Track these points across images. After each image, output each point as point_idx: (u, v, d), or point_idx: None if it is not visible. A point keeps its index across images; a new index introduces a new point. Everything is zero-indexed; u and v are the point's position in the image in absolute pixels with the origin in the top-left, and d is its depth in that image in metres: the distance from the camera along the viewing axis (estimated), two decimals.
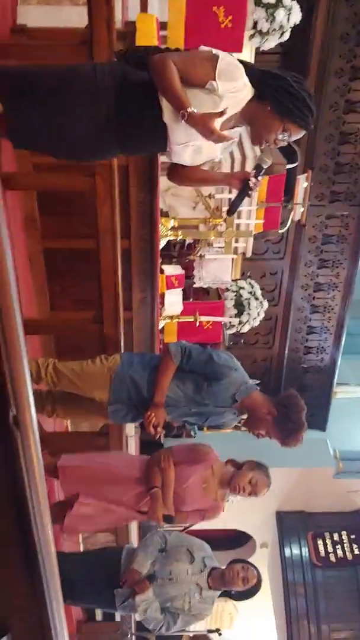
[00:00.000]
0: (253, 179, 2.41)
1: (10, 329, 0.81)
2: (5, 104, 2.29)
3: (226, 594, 3.54)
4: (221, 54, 2.30)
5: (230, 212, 2.68)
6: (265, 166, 2.48)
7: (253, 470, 3.36)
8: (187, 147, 2.39)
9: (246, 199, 2.67)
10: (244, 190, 2.45)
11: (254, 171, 2.45)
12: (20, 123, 2.36)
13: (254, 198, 5.24)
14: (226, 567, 3.47)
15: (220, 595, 3.53)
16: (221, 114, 2.25)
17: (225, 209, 5.27)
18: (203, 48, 2.35)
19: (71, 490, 3.35)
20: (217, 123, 2.26)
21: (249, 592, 3.49)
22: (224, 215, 5.30)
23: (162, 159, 3.47)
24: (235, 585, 3.42)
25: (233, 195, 2.76)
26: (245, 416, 3.29)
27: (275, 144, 2.44)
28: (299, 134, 2.42)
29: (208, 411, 3.22)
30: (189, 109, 2.21)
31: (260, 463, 3.45)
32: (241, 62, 2.37)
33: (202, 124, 2.24)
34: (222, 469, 3.38)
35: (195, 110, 2.22)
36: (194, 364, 3.14)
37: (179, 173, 2.57)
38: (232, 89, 2.29)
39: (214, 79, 2.26)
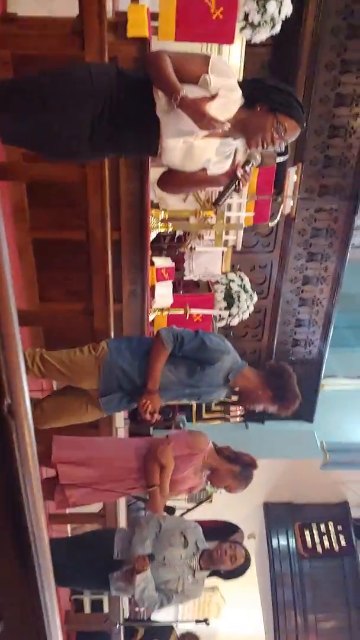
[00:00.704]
0: (240, 170, 2.43)
1: (5, 318, 0.81)
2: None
3: (215, 573, 3.58)
4: (212, 55, 2.37)
5: (216, 203, 2.65)
6: (255, 162, 2.49)
7: (233, 479, 3.43)
8: (178, 143, 2.38)
9: (235, 192, 2.68)
10: (232, 182, 2.47)
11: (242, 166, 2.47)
12: (13, 125, 2.37)
13: (244, 191, 5.24)
14: (214, 546, 3.52)
15: (210, 575, 3.57)
16: (212, 97, 2.29)
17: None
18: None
19: (62, 459, 3.35)
20: (209, 107, 2.28)
21: (238, 571, 3.54)
22: (215, 207, 5.30)
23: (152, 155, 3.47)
24: (224, 564, 3.48)
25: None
26: (236, 397, 3.35)
27: (273, 142, 2.43)
28: (295, 131, 2.44)
29: (201, 391, 3.26)
30: (181, 93, 2.25)
31: (246, 469, 3.48)
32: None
33: (194, 107, 2.26)
34: (211, 457, 3.43)
35: (188, 95, 2.26)
36: (186, 351, 3.15)
37: (169, 179, 2.60)
38: (225, 86, 2.32)
39: (207, 73, 2.30)
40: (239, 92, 2.37)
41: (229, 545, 3.51)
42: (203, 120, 2.27)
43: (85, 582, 3.64)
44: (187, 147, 2.40)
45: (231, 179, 2.46)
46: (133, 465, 3.33)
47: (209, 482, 3.49)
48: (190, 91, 2.28)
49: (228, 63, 2.42)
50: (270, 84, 2.40)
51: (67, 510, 4.49)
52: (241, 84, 2.39)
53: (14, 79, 2.54)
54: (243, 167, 2.45)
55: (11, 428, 0.86)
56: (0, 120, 2.34)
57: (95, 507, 4.64)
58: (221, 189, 2.58)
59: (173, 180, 2.59)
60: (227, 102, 2.34)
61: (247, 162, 2.48)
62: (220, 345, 3.22)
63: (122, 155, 3.09)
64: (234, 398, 3.40)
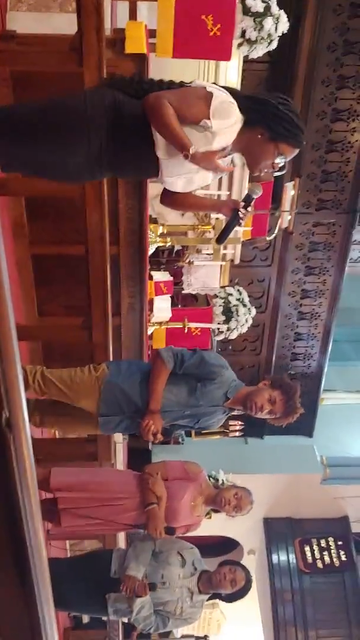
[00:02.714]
0: (243, 210, 2.44)
1: (3, 330, 0.81)
2: None
3: (216, 596, 3.54)
4: (215, 91, 2.33)
5: (219, 240, 2.71)
6: (255, 196, 2.50)
7: (237, 488, 3.48)
8: (180, 178, 2.44)
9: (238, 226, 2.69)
10: (234, 219, 2.49)
11: (243, 203, 2.47)
12: (10, 159, 2.41)
13: (245, 218, 5.27)
14: (214, 570, 3.48)
15: (210, 598, 3.53)
16: (223, 150, 2.34)
17: (214, 216, 5.29)
18: (197, 83, 2.39)
19: (61, 485, 3.36)
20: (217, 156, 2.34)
21: (239, 593, 3.50)
22: (212, 222, 5.33)
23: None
24: (224, 588, 3.43)
25: (220, 216, 2.80)
26: (236, 412, 3.34)
27: (273, 168, 2.47)
28: (293, 154, 2.47)
29: (200, 412, 3.23)
30: (191, 150, 2.27)
31: (242, 487, 3.57)
32: (227, 89, 2.42)
33: (205, 163, 2.32)
34: (208, 489, 3.47)
35: (198, 150, 2.28)
36: (187, 368, 3.15)
37: (171, 199, 2.61)
38: (226, 126, 2.34)
39: (208, 118, 2.30)
40: (240, 120, 2.37)
41: (229, 569, 3.46)
42: (215, 172, 2.36)
43: (82, 603, 3.57)
44: (187, 179, 2.46)
45: (233, 217, 2.48)
46: (131, 492, 3.34)
47: (218, 505, 3.47)
48: (190, 133, 2.31)
49: (227, 99, 2.35)
50: (271, 111, 2.36)
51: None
52: (241, 103, 2.37)
53: (9, 108, 2.56)
54: (245, 207, 2.46)
55: (9, 441, 0.85)
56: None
57: None
58: (223, 221, 2.61)
59: (174, 200, 2.61)
60: (228, 135, 2.37)
61: (248, 197, 2.50)
62: (219, 360, 3.24)
63: (122, 177, 3.13)
64: (238, 412, 3.37)
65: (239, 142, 2.42)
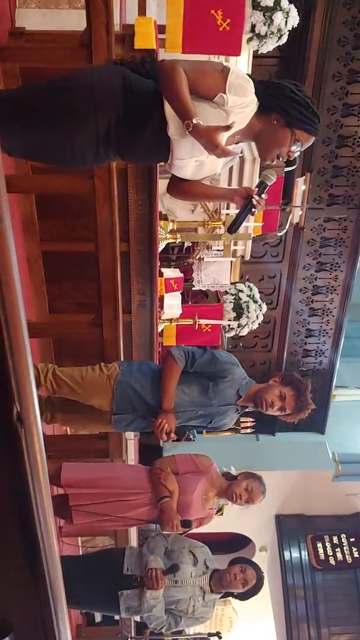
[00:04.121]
0: (256, 197, 2.33)
1: (14, 324, 0.81)
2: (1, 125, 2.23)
3: (228, 595, 3.53)
4: (232, 67, 2.23)
5: (231, 230, 2.53)
6: (269, 183, 2.38)
7: (248, 479, 3.43)
8: (190, 162, 2.34)
9: (251, 215, 2.60)
10: (247, 207, 2.36)
11: (257, 189, 2.37)
12: (15, 141, 2.31)
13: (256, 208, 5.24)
14: (225, 569, 3.47)
15: (223, 596, 3.52)
16: (228, 127, 2.18)
17: (224, 212, 5.28)
18: (213, 61, 2.31)
19: (71, 481, 3.36)
20: (223, 137, 2.18)
21: (251, 592, 3.49)
22: (223, 218, 5.31)
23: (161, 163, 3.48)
24: (235, 587, 3.42)
25: (232, 211, 2.74)
26: (249, 409, 3.32)
27: (289, 156, 2.38)
28: (309, 142, 2.38)
29: (213, 412, 3.23)
30: (194, 120, 2.13)
31: (253, 473, 3.51)
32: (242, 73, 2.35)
33: (207, 137, 2.15)
34: (219, 480, 3.45)
35: (201, 122, 2.14)
36: (199, 366, 3.15)
37: (179, 187, 2.52)
38: (241, 104, 2.23)
39: (224, 92, 2.19)
40: (255, 103, 2.27)
41: (239, 569, 3.43)
42: (215, 151, 2.18)
43: (95, 601, 3.57)
44: (198, 164, 2.36)
45: (246, 205, 2.36)
46: (142, 487, 3.33)
47: (230, 498, 3.44)
48: (204, 108, 2.21)
49: (245, 76, 2.23)
50: (288, 95, 2.27)
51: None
52: (256, 88, 2.27)
53: (15, 90, 2.48)
54: (259, 194, 2.35)
55: (20, 435, 0.85)
56: (4, 134, 2.32)
57: None
58: (236, 210, 2.51)
59: (182, 188, 2.53)
60: (242, 116, 2.27)
61: (262, 183, 2.38)
62: (230, 359, 3.25)
63: (130, 161, 3.04)
64: (250, 409, 3.36)
65: (252, 129, 2.32)
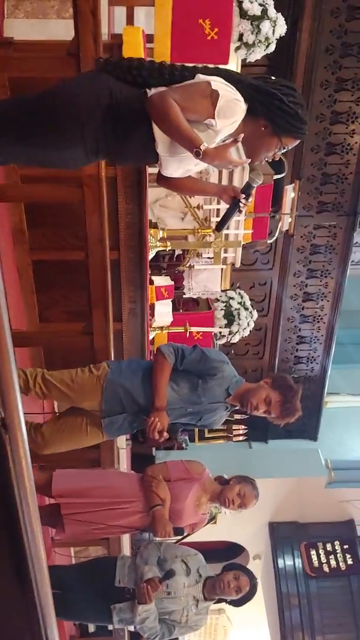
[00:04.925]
0: (243, 200, 2.41)
1: None
2: None
3: (222, 600, 3.51)
4: (220, 88, 2.25)
5: (218, 228, 2.64)
6: (255, 185, 2.47)
7: (240, 484, 3.41)
8: (179, 169, 2.43)
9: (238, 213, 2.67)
10: (234, 208, 2.45)
11: (243, 193, 2.44)
12: (4, 154, 2.37)
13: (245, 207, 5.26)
14: (218, 576, 3.45)
15: (216, 602, 3.50)
16: (235, 142, 2.27)
17: (214, 219, 5.29)
18: (200, 77, 2.29)
19: (63, 491, 3.33)
20: (232, 152, 2.27)
21: (244, 599, 3.47)
22: (213, 226, 5.32)
23: (150, 169, 3.49)
24: (229, 594, 3.40)
25: (221, 206, 2.80)
26: (237, 407, 3.30)
27: (274, 158, 2.48)
28: (295, 144, 2.47)
29: (203, 409, 3.22)
30: (202, 147, 2.19)
31: (246, 477, 3.49)
32: (231, 77, 2.35)
33: (219, 159, 2.23)
34: (212, 486, 3.44)
35: (206, 145, 2.20)
36: (188, 363, 3.14)
37: (169, 181, 2.57)
38: (230, 124, 2.30)
39: (213, 117, 2.25)
40: (243, 111, 2.33)
41: (233, 576, 3.41)
42: (229, 167, 2.31)
43: (87, 613, 3.54)
44: (186, 170, 2.45)
45: (233, 205, 2.44)
46: (134, 495, 3.32)
47: (222, 503, 3.42)
48: (196, 128, 2.26)
49: (233, 95, 2.27)
50: (277, 105, 2.32)
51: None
52: (246, 93, 2.32)
53: (2, 105, 2.51)
54: (246, 197, 2.42)
55: (5, 441, 0.84)
56: None
57: None
58: (221, 207, 2.59)
59: (172, 182, 2.59)
60: (231, 127, 2.33)
61: (248, 186, 2.45)
62: (220, 356, 3.25)
63: (120, 165, 3.09)
64: (237, 416, 3.35)
65: (239, 131, 2.37)
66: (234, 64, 5.17)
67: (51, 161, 2.41)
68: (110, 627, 5.10)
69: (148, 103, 2.25)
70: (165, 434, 3.09)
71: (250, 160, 2.47)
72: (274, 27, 4.45)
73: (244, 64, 5.30)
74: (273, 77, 2.44)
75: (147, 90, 2.30)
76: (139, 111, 2.26)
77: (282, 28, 4.50)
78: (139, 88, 2.31)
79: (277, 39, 4.53)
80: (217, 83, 2.27)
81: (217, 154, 2.22)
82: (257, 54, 4.58)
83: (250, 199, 2.47)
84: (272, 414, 3.15)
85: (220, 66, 2.46)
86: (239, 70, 5.31)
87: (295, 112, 2.34)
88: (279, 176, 5.97)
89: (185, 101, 2.22)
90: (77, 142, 2.27)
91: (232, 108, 2.27)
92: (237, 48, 4.48)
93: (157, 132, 2.28)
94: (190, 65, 2.39)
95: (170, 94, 2.23)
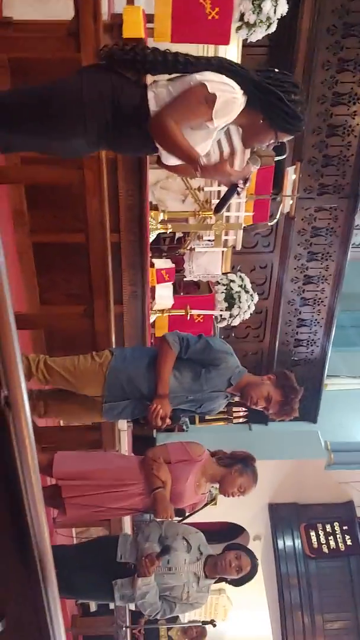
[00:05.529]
0: (241, 185, 2.50)
1: (0, 307, 0.81)
2: None
3: (222, 580, 3.55)
4: (217, 89, 2.31)
5: (217, 210, 2.77)
6: (253, 170, 2.58)
7: (242, 477, 3.41)
8: (179, 160, 2.51)
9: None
10: (231, 191, 2.54)
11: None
12: (7, 144, 2.49)
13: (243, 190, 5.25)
14: (219, 555, 3.49)
15: (217, 581, 3.54)
16: (232, 156, 2.41)
17: (215, 201, 5.27)
18: (197, 78, 2.34)
19: (64, 474, 3.36)
20: (235, 163, 2.45)
21: (245, 579, 3.51)
22: (215, 213, 5.31)
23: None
24: (229, 574, 3.44)
25: (222, 188, 2.85)
26: (237, 398, 3.34)
27: (268, 147, 2.61)
28: (290, 138, 2.59)
29: (203, 397, 3.24)
30: (200, 161, 2.36)
31: (247, 463, 3.47)
32: (233, 70, 2.38)
33: (220, 175, 2.43)
34: (212, 467, 3.44)
35: (205, 160, 2.38)
36: (192, 352, 3.16)
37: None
38: (227, 120, 2.40)
39: (212, 119, 2.35)
40: (241, 104, 2.39)
41: (234, 555, 3.46)
42: (231, 180, 2.43)
43: (89, 590, 3.59)
44: None
45: (231, 188, 2.53)
46: (135, 478, 3.34)
47: (223, 493, 3.45)
48: (195, 135, 2.39)
49: (232, 95, 2.34)
50: (276, 104, 2.38)
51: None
52: (245, 87, 2.37)
53: (5, 95, 2.58)
54: (243, 182, 2.51)
55: (8, 419, 0.85)
56: None
57: None
58: (221, 189, 2.69)
59: (171, 165, 2.65)
60: (228, 120, 2.42)
61: None
62: (224, 347, 3.25)
63: (119, 153, 3.18)
64: (237, 399, 3.37)
65: (239, 118, 2.44)
66: (234, 45, 5.14)
67: (53, 150, 2.54)
68: (111, 606, 5.16)
69: (150, 126, 2.36)
70: (168, 421, 3.11)
71: (245, 146, 2.58)
72: (275, 6, 4.43)
73: (245, 44, 5.27)
74: (276, 70, 2.47)
75: (147, 86, 2.40)
76: (139, 108, 2.36)
77: (283, 7, 4.48)
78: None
79: (278, 19, 4.50)
80: (214, 84, 2.32)
81: (215, 170, 2.42)
82: (258, 34, 4.56)
83: (248, 183, 2.59)
84: (270, 410, 3.20)
85: (225, 56, 2.51)
86: (240, 51, 5.28)
87: (293, 111, 2.40)
88: (280, 158, 5.94)
89: (184, 116, 2.34)
90: (79, 136, 2.37)
91: (229, 107, 2.35)
92: (238, 28, 4.46)
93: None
94: (192, 57, 2.43)
95: (169, 113, 2.33)
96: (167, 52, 2.42)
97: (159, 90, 2.38)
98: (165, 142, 2.37)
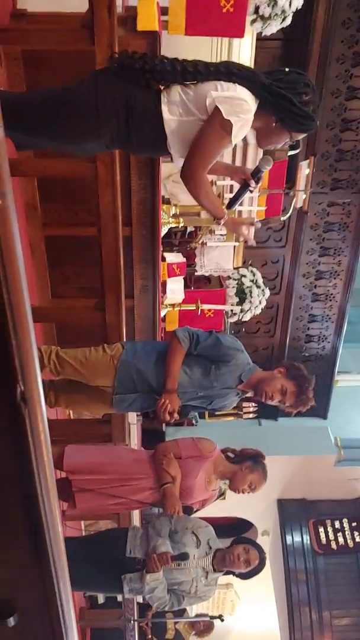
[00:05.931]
0: (253, 184, 2.63)
1: (17, 303, 0.80)
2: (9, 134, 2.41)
3: (230, 572, 3.55)
4: (232, 115, 2.37)
5: (229, 206, 2.85)
6: (264, 170, 2.66)
7: (252, 473, 3.41)
8: None
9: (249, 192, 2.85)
10: (243, 189, 2.66)
11: (253, 177, 2.65)
12: (21, 142, 2.61)
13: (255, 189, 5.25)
14: (228, 548, 3.49)
15: (225, 574, 3.55)
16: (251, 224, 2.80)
17: (227, 195, 5.25)
18: (210, 95, 2.39)
19: (74, 467, 3.37)
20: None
21: (252, 572, 3.51)
22: (225, 202, 5.29)
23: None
24: (238, 567, 3.45)
25: (235, 183, 2.89)
26: (249, 394, 3.33)
27: (284, 146, 2.70)
28: (305, 135, 2.67)
29: (214, 394, 3.24)
30: (224, 218, 2.63)
31: (257, 460, 3.47)
32: (244, 77, 2.41)
33: (235, 230, 2.80)
34: (222, 464, 3.45)
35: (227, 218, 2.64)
36: (202, 349, 3.16)
37: None
38: (243, 134, 2.50)
39: (231, 142, 2.46)
40: (253, 112, 2.45)
41: (243, 549, 3.46)
42: (240, 236, 2.83)
43: (98, 583, 3.59)
44: None
45: (243, 186, 2.65)
46: (145, 472, 3.34)
47: (233, 490, 3.45)
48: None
49: (247, 115, 2.43)
50: (288, 108, 2.43)
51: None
52: (258, 93, 2.43)
53: (21, 97, 2.64)
54: (254, 176, 2.63)
55: (24, 415, 0.85)
56: (11, 135, 2.47)
57: None
58: (234, 184, 2.78)
59: None
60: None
61: (257, 170, 2.64)
62: (235, 344, 3.24)
63: (133, 155, 3.29)
64: (249, 395, 3.36)
65: (253, 122, 2.50)
66: (249, 38, 5.11)
67: (67, 151, 2.66)
68: (119, 599, 5.17)
69: (181, 172, 2.50)
70: (176, 416, 3.11)
71: (260, 147, 2.68)
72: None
73: (259, 37, 5.23)
74: (287, 69, 2.50)
75: (160, 91, 2.47)
76: (153, 114, 2.43)
77: (299, 1, 4.43)
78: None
79: (293, 12, 4.46)
80: (227, 106, 2.38)
81: (234, 226, 2.83)
82: (273, 28, 4.52)
83: (260, 182, 2.71)
84: (287, 403, 3.18)
85: (240, 48, 2.53)
86: (254, 44, 5.25)
87: (305, 112, 2.45)
88: (293, 152, 5.92)
89: (211, 156, 2.47)
90: (93, 140, 2.49)
91: (245, 126, 2.45)
92: (253, 21, 4.42)
93: (170, 134, 2.46)
94: (202, 65, 2.45)
95: (198, 161, 2.46)
96: (175, 61, 2.47)
97: (172, 95, 2.45)
98: (194, 193, 2.52)
